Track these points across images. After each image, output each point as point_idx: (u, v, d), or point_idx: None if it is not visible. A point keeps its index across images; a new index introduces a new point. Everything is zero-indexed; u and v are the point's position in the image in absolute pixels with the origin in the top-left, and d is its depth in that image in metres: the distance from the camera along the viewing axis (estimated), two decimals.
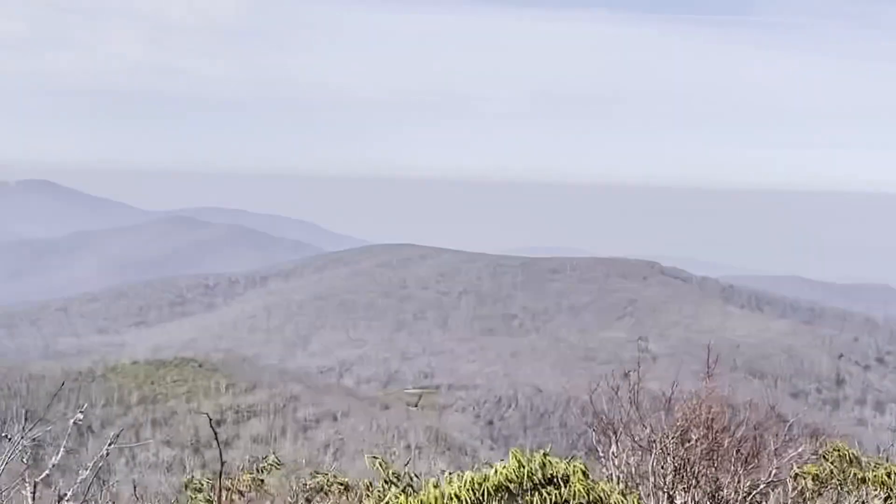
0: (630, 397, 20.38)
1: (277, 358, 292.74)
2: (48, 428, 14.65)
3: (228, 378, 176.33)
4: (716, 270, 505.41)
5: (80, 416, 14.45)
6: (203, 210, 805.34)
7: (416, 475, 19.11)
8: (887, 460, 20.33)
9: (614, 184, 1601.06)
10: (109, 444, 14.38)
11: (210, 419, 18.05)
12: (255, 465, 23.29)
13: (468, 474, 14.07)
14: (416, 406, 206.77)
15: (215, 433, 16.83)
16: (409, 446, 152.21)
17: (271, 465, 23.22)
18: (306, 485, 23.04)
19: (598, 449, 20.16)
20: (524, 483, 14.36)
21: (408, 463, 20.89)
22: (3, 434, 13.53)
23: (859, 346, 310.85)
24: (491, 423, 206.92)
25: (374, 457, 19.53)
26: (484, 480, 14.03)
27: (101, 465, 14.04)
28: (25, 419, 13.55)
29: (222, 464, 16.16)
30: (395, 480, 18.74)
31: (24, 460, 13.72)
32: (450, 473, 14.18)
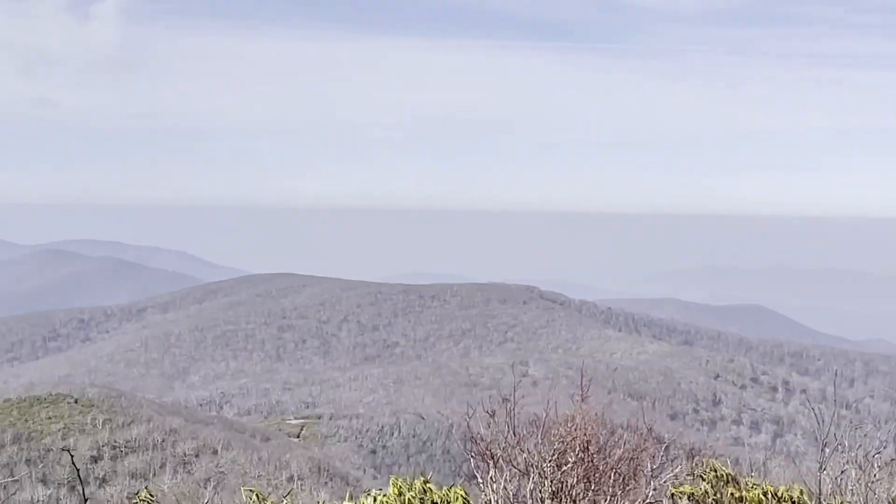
0: (507, 422, 20.38)
1: (156, 391, 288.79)
2: None
3: (105, 413, 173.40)
4: (594, 294, 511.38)
5: None
6: (78, 242, 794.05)
7: None
8: (764, 479, 20.60)
9: (494, 210, 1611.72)
10: None
11: (72, 457, 17.79)
12: (130, 502, 22.88)
13: None
14: (298, 436, 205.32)
15: (77, 471, 16.54)
16: (291, 477, 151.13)
17: (144, 500, 22.82)
18: None
19: (478, 475, 20.13)
20: None
21: (289, 493, 20.69)
22: None
23: (734, 366, 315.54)
24: (374, 451, 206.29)
25: (251, 490, 19.30)
26: None
27: None
28: None
29: (85, 500, 15.87)
30: None
31: None
32: None
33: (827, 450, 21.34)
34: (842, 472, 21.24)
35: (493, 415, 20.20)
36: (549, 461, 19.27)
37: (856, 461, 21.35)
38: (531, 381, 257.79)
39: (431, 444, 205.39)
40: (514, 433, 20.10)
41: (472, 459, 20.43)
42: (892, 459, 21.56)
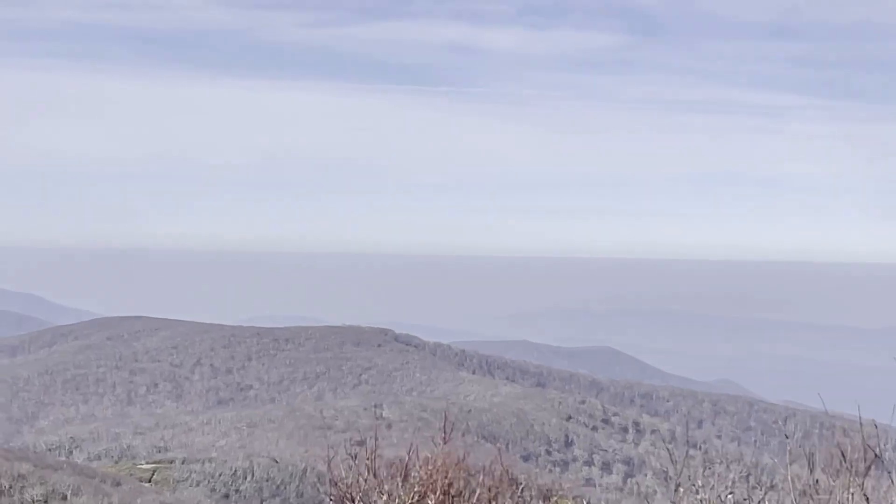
0: (367, 465, 20.64)
1: (2, 436, 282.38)
2: None
3: None
4: (448, 336, 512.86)
5: None
6: None
7: None
8: None
9: (347, 252, 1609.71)
10: None
11: None
12: None
13: None
14: (149, 481, 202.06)
15: None
16: None
17: None
18: None
19: None
20: None
21: None
22: None
23: (586, 407, 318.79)
24: (227, 496, 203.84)
25: None
26: None
27: None
28: None
29: None
30: None
31: None
32: None
33: (681, 490, 21.98)
34: None
35: (354, 457, 20.47)
36: None
37: (708, 501, 22.02)
38: (386, 423, 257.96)
39: (286, 488, 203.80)
40: (374, 475, 20.38)
41: (330, 502, 20.63)
42: (744, 500, 22.26)
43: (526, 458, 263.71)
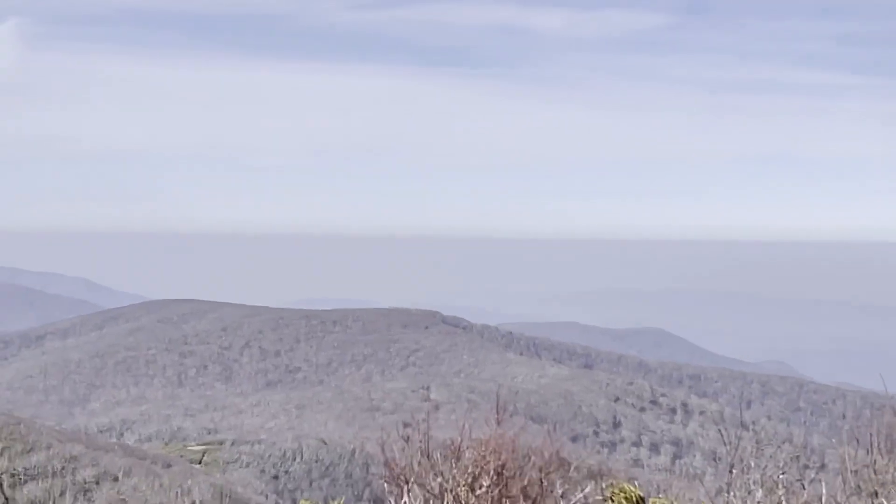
0: (420, 446, 20.67)
1: (55, 418, 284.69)
2: None
3: (4, 441, 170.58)
4: (495, 318, 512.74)
5: None
6: None
7: None
8: (673, 500, 21.07)
9: (395, 235, 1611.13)
10: None
11: (2, 486, 17.77)
12: None
13: None
14: (199, 463, 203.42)
15: (7, 499, 16.56)
16: (193, 503, 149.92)
17: None
18: None
19: (390, 500, 20.37)
20: None
21: None
22: None
23: (634, 388, 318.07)
24: (276, 477, 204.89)
25: None
26: None
27: None
28: None
29: None
30: None
31: None
32: None
33: (734, 471, 21.89)
34: (748, 492, 21.80)
35: (407, 439, 20.52)
36: (463, 485, 19.60)
37: (761, 482, 21.93)
38: (433, 405, 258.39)
39: (334, 469, 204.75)
40: (427, 457, 20.39)
41: (385, 484, 20.68)
42: (797, 480, 22.17)
43: (574, 440, 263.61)
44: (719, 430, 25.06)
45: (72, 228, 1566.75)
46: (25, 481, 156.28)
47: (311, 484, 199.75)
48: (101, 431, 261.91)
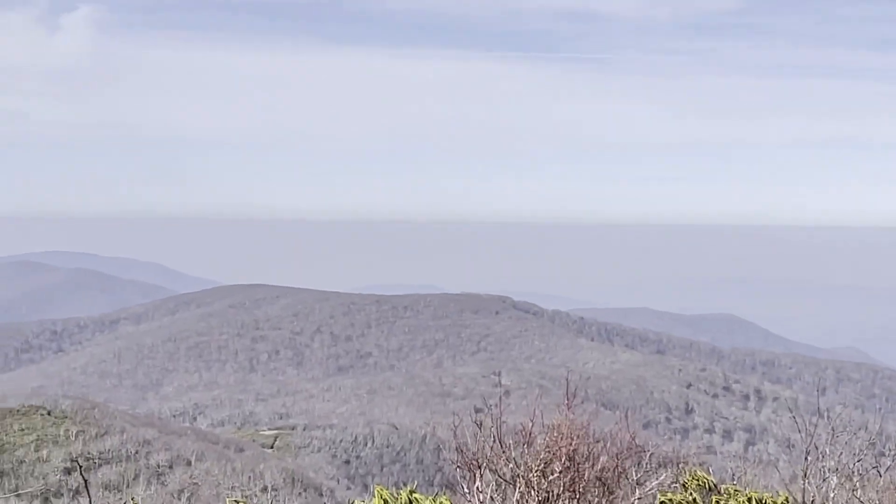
0: (492, 432, 20.55)
1: (129, 402, 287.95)
2: None
3: (78, 425, 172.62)
4: (566, 304, 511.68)
5: None
6: (49, 254, 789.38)
7: None
8: (746, 487, 20.83)
9: (466, 221, 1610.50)
10: None
11: (80, 468, 17.86)
12: None
13: None
14: (271, 447, 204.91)
15: (86, 482, 16.62)
16: (265, 488, 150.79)
17: None
18: None
19: (463, 485, 20.25)
20: None
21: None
22: None
23: (706, 375, 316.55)
24: (347, 462, 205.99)
25: (237, 501, 19.45)
26: None
27: None
28: None
29: None
30: None
31: None
32: None
33: (809, 458, 21.61)
34: (823, 479, 21.53)
35: (479, 425, 20.41)
36: (536, 471, 19.46)
37: (836, 469, 21.65)
38: (504, 390, 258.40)
39: (405, 454, 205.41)
40: (500, 443, 20.27)
41: (457, 469, 20.58)
42: (872, 468, 21.86)
43: (646, 426, 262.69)
44: (793, 417, 24.75)
45: (146, 214, 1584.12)
46: (100, 465, 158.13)
47: (382, 469, 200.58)
48: (173, 416, 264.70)
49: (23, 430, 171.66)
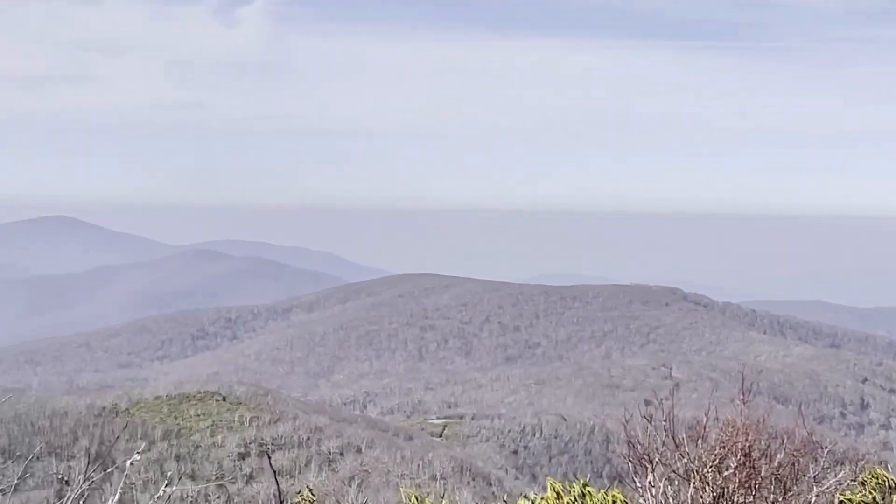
0: (665, 426, 20.26)
1: (301, 390, 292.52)
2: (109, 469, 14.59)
3: (252, 411, 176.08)
4: (738, 296, 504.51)
5: (137, 456, 14.46)
6: (224, 243, 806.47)
7: None
8: None
9: (636, 211, 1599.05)
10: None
11: (269, 457, 18.14)
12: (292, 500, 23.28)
13: None
14: (440, 436, 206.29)
15: (274, 472, 16.92)
16: (434, 477, 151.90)
17: (305, 499, 23.20)
18: None
19: (635, 479, 20.02)
20: None
21: (442, 497, 20.88)
22: (62, 477, 13.57)
23: (883, 369, 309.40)
24: (515, 452, 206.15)
25: (409, 491, 19.49)
26: None
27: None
28: (88, 462, 13.50)
29: (279, 495, 16.22)
30: None
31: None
32: None
33: None
34: None
35: (650, 418, 20.12)
36: (710, 466, 19.13)
37: None
38: (674, 383, 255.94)
39: (573, 446, 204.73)
40: (672, 438, 19.97)
41: (629, 463, 20.36)
42: None
43: (820, 421, 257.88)
44: None
45: (317, 204, 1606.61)
46: (273, 451, 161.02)
47: (550, 460, 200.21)
48: (344, 403, 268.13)
49: (199, 415, 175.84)
